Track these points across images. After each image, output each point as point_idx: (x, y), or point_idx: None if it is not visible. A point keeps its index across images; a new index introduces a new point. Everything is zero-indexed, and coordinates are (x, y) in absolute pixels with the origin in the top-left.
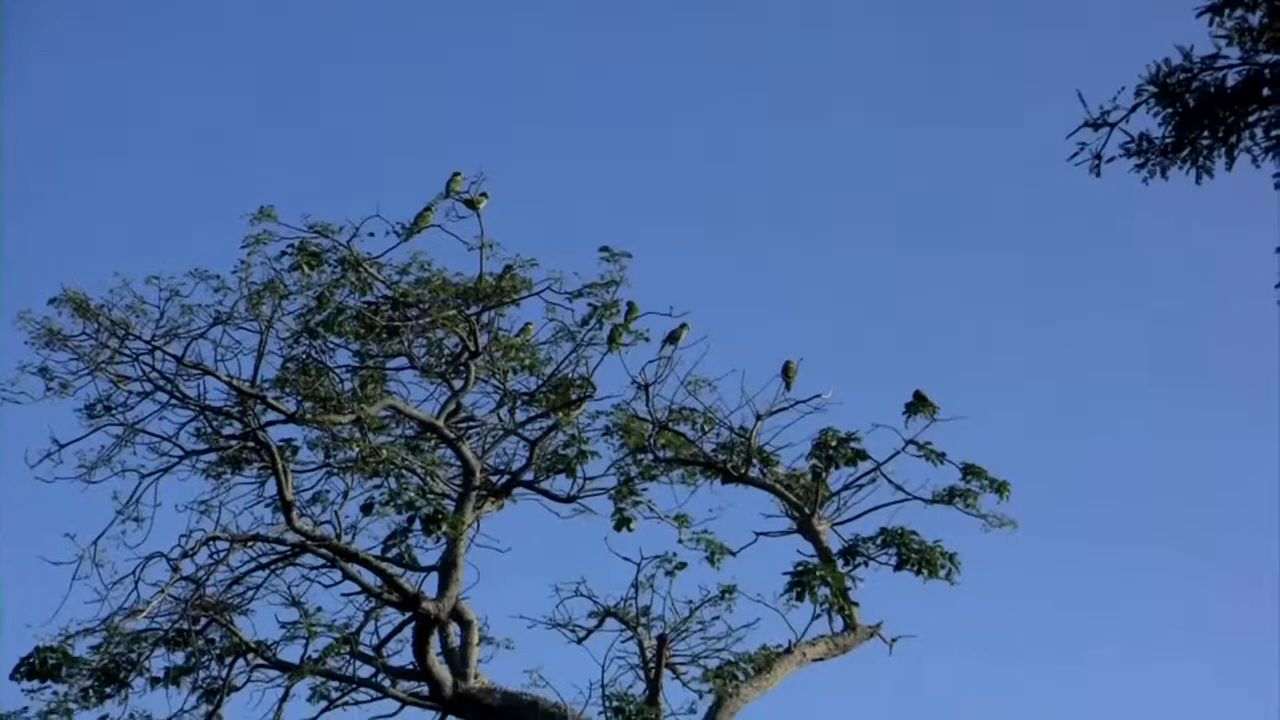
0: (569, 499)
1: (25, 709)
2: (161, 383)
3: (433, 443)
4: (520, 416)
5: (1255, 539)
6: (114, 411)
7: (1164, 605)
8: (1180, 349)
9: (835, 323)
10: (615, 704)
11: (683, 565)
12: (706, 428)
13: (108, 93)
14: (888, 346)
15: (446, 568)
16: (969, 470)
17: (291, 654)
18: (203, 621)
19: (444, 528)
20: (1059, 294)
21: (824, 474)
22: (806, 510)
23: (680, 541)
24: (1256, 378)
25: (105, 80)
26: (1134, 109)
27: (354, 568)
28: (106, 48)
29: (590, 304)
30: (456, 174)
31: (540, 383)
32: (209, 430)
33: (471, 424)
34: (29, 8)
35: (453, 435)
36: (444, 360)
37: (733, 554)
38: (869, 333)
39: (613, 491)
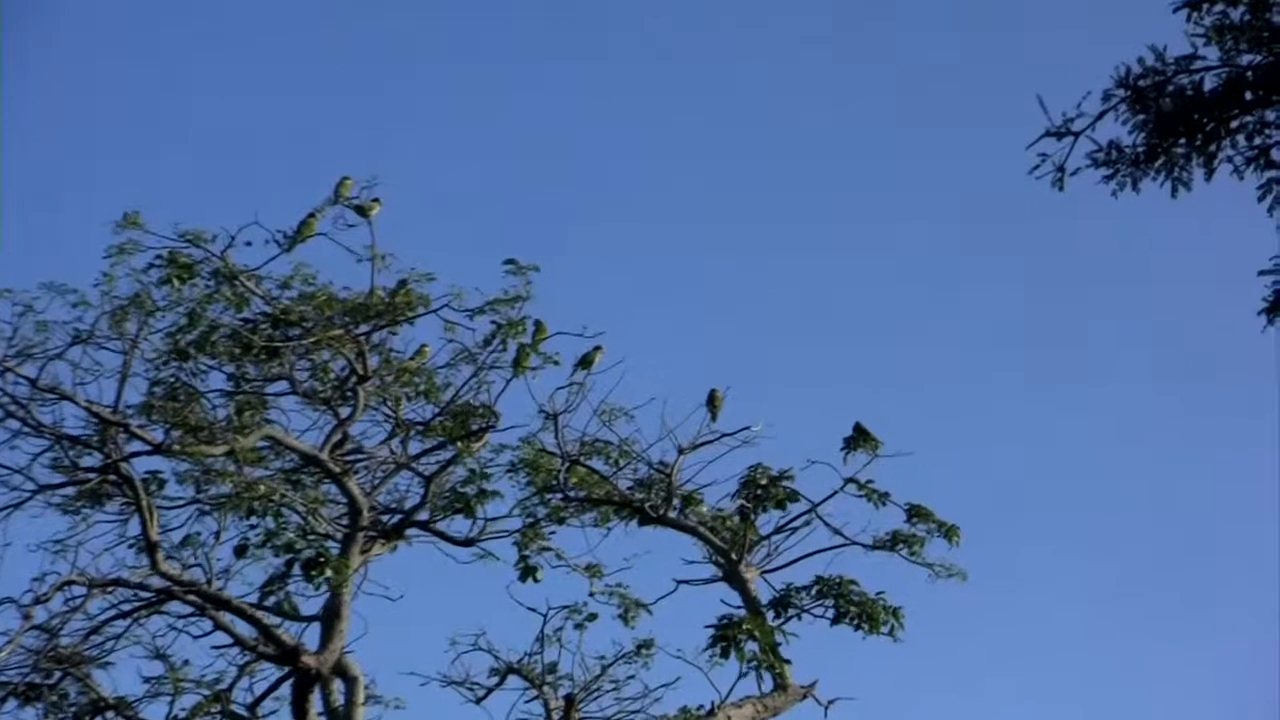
0: (468, 542)
1: None
2: (13, 408)
3: (316, 477)
4: (414, 449)
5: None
6: None
7: (1129, 660)
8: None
9: (767, 348)
10: None
11: (594, 617)
12: (622, 463)
13: None
14: (826, 375)
15: (330, 617)
16: (915, 512)
17: (155, 712)
18: (57, 675)
19: (327, 573)
20: (1020, 315)
21: (753, 515)
22: (733, 556)
23: (592, 595)
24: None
25: None
26: (1101, 115)
27: (226, 617)
28: None
29: (493, 322)
30: (345, 178)
31: (437, 411)
32: (66, 461)
33: (360, 457)
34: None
35: (338, 469)
36: (329, 385)
37: (649, 611)
38: (804, 359)
39: (517, 535)
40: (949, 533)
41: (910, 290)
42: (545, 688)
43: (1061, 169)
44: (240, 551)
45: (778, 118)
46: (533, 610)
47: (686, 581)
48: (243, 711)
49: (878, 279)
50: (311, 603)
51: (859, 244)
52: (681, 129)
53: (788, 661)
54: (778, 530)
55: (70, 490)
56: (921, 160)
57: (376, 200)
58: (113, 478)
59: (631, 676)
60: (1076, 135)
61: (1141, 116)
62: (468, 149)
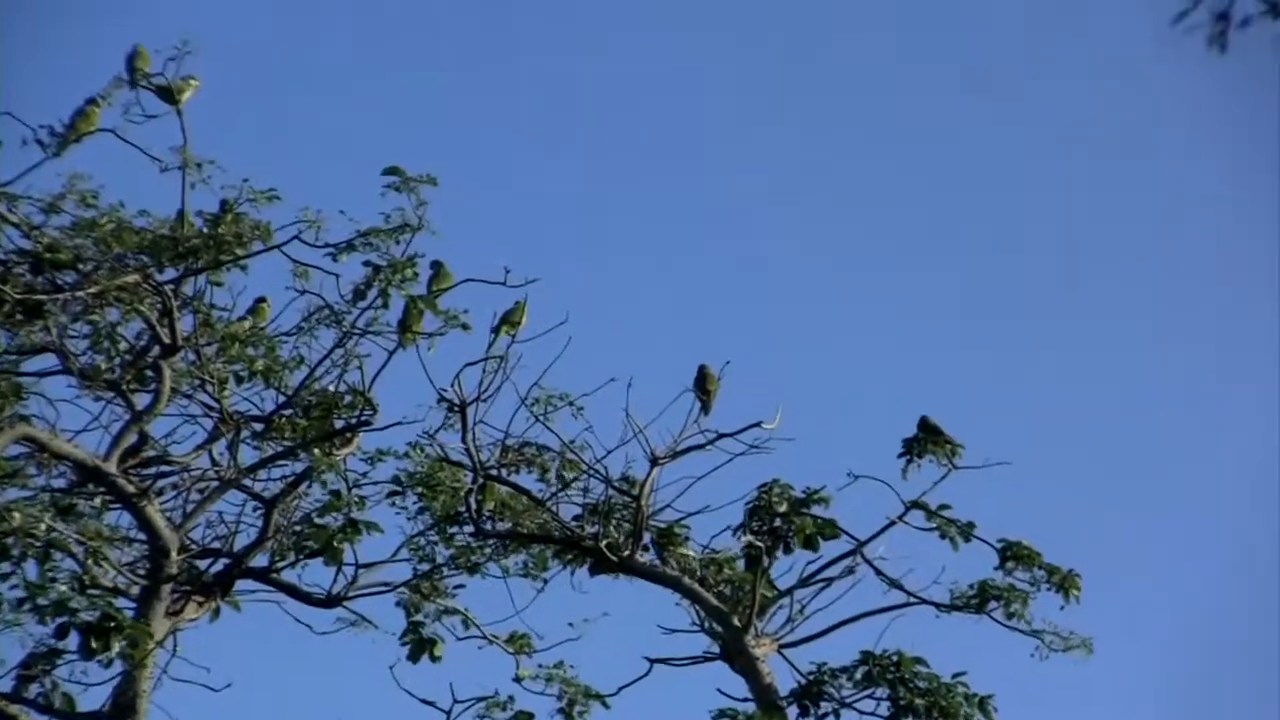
0: (330, 601)
1: None
2: None
3: (99, 500)
4: (247, 457)
5: None
6: None
7: None
8: None
9: (782, 305)
10: None
11: (528, 717)
12: (567, 479)
13: None
14: (868, 343)
15: (121, 713)
16: (1013, 553)
17: None
18: None
19: (117, 646)
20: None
21: (767, 560)
22: (736, 621)
23: (519, 680)
24: None
25: None
26: None
27: None
28: None
29: (369, 264)
30: (139, 48)
31: (283, 400)
32: None
33: (166, 469)
34: None
35: (133, 488)
36: (119, 360)
37: (605, 704)
38: (835, 322)
39: (405, 591)
40: (1064, 583)
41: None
42: None
43: (1224, 18)
44: None
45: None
46: (429, 705)
47: (664, 661)
48: None
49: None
50: (94, 695)
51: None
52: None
53: None
54: (804, 582)
55: None
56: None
57: (190, 79)
58: None
59: None
60: None
61: None
62: None
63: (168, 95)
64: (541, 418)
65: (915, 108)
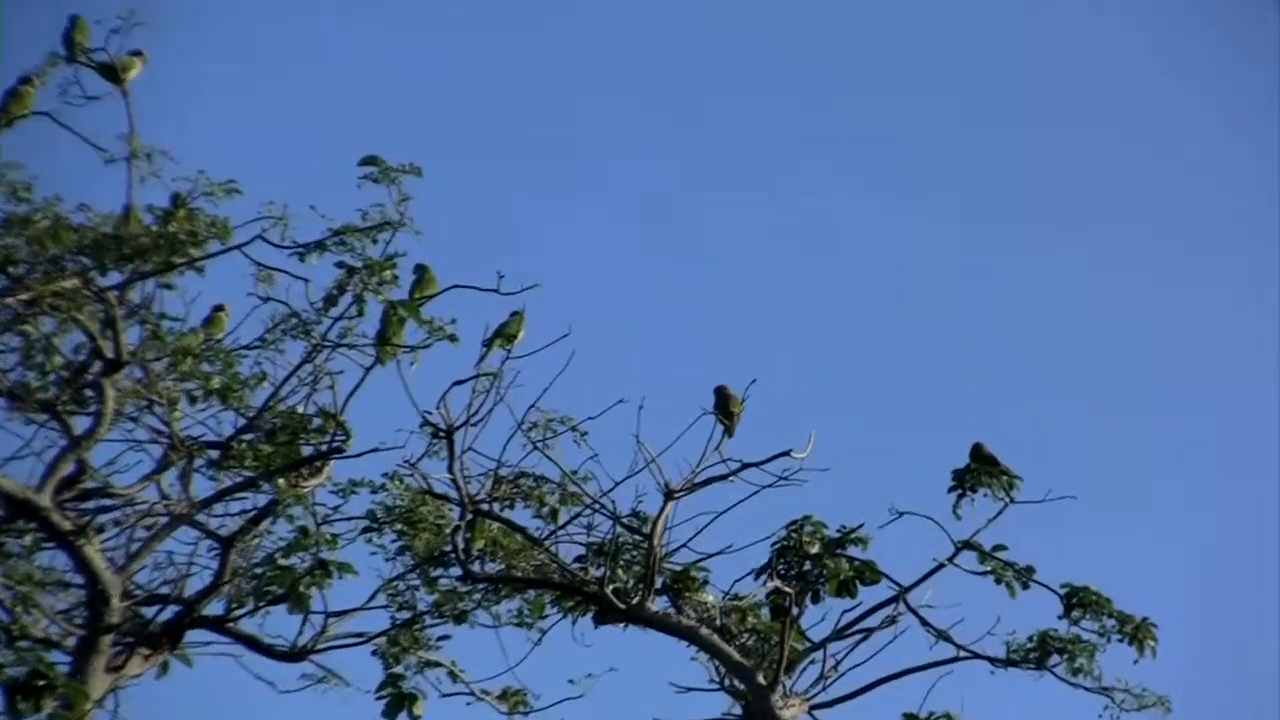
0: (295, 654)
1: None
2: None
3: (30, 538)
4: (202, 489)
5: None
6: None
7: None
8: None
9: (814, 317)
10: None
11: None
12: (567, 514)
13: None
14: (914, 362)
15: None
16: (1078, 600)
17: None
18: None
19: (49, 706)
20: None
21: (795, 608)
22: (761, 677)
23: None
24: None
25: None
26: None
27: None
28: None
29: (343, 266)
30: (78, 18)
31: (243, 423)
32: None
33: (108, 503)
34: None
35: (70, 524)
36: (54, 377)
37: None
38: (877, 337)
39: (383, 642)
40: (1137, 633)
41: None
42: None
43: None
44: None
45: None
46: None
47: None
48: None
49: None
50: None
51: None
52: None
53: None
54: (839, 633)
55: None
56: None
57: (138, 54)
58: None
59: None
60: None
61: None
62: None
63: (111, 74)
64: (540, 444)
65: (954, 126)
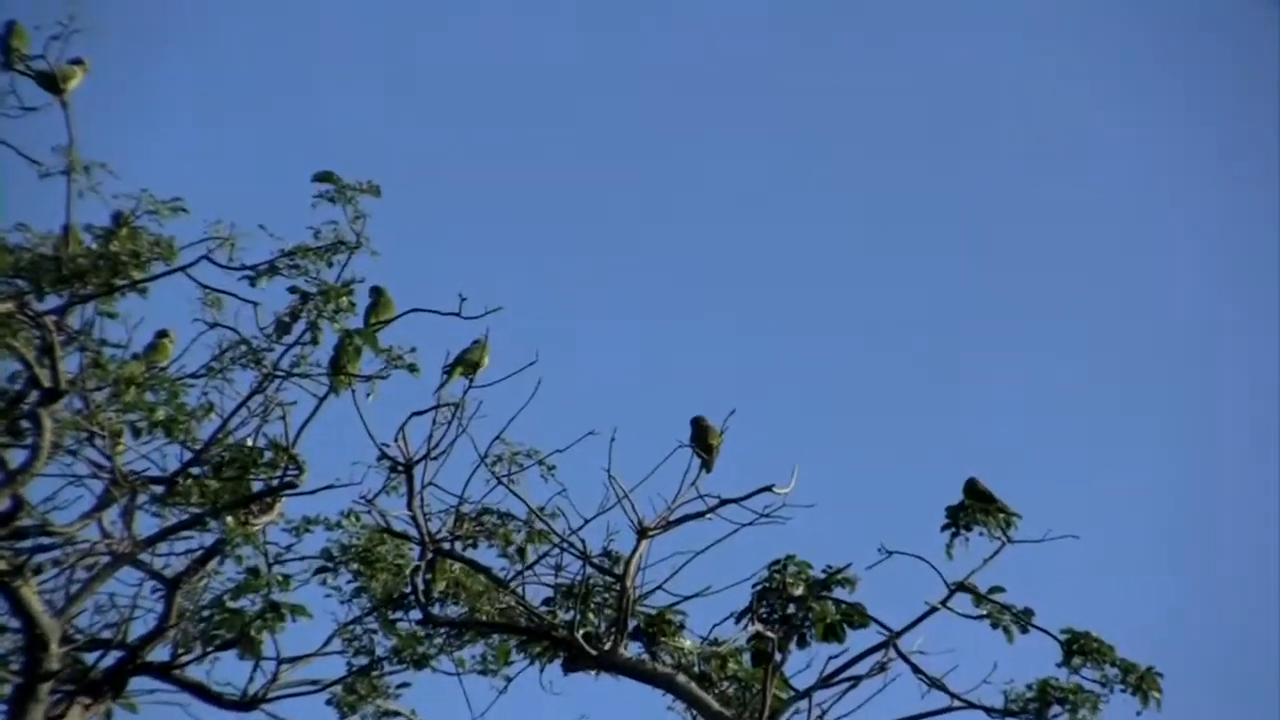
0: (246, 703)
1: None
2: None
3: None
4: (146, 527)
5: None
6: None
7: None
8: None
9: (797, 346)
10: None
11: None
12: (534, 553)
13: None
14: (903, 393)
15: None
16: (1079, 647)
17: None
18: None
19: None
20: None
21: (779, 654)
22: None
23: None
24: None
25: None
26: None
27: None
28: None
29: (295, 290)
30: (14, 23)
31: (189, 457)
32: None
33: (45, 542)
34: None
35: (4, 564)
36: None
37: None
38: (862, 367)
39: (338, 690)
40: (1142, 683)
41: None
42: None
43: None
44: None
45: None
46: None
47: None
48: None
49: None
50: None
51: None
52: None
53: None
54: (826, 681)
55: None
56: None
57: (79, 63)
58: None
59: None
60: None
61: None
62: None
63: (51, 83)
64: (505, 479)
65: (936, 156)
